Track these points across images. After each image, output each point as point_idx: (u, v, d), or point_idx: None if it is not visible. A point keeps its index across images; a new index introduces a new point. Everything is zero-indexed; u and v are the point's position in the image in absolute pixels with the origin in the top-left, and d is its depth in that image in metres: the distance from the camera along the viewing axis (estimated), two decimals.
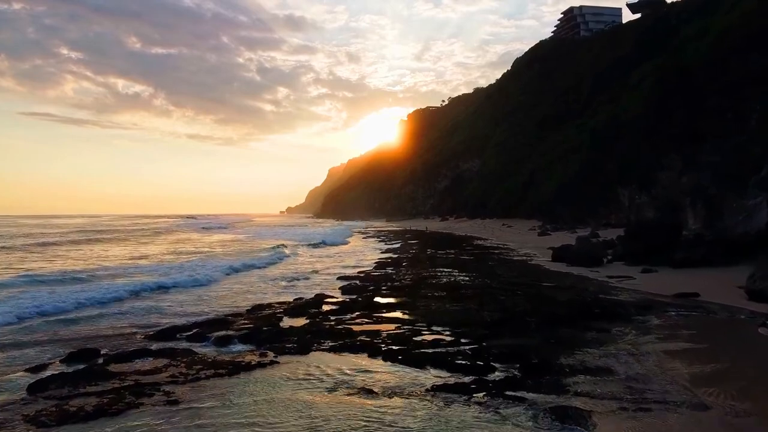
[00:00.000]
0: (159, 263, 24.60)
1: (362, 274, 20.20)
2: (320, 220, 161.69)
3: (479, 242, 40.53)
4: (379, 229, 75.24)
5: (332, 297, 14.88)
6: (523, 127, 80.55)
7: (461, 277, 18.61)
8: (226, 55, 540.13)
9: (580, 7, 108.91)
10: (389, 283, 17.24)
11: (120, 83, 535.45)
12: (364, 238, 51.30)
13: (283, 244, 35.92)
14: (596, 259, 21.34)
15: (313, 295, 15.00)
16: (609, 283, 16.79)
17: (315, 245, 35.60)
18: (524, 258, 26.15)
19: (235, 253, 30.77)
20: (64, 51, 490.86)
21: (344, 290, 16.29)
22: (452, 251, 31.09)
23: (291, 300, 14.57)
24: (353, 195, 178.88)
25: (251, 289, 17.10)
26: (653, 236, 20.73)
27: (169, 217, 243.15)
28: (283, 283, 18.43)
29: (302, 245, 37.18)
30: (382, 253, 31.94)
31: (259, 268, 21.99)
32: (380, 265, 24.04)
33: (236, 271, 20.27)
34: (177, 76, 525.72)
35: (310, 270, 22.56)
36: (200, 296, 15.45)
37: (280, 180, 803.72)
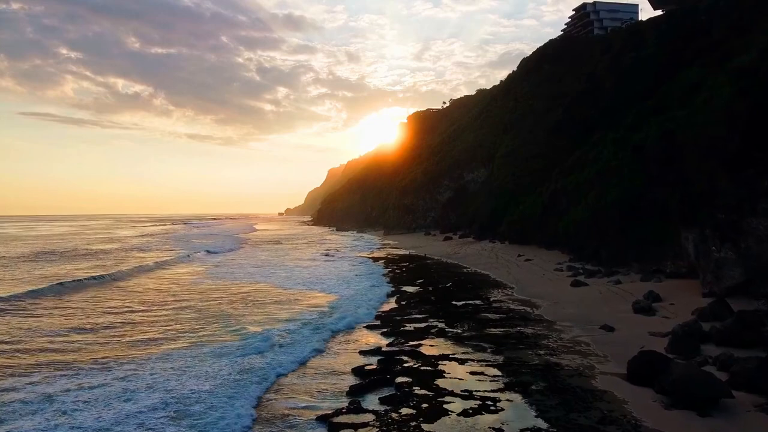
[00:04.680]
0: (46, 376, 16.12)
1: None
2: (323, 229, 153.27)
3: (497, 292, 31.95)
4: (374, 254, 66.79)
5: None
6: (535, 135, 71.94)
7: None
8: (226, 54, 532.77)
9: (594, 3, 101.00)
10: None
11: (120, 83, 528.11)
12: (357, 275, 43.00)
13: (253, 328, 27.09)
14: (711, 398, 12.84)
15: None
16: None
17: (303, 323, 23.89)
18: (576, 356, 17.63)
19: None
20: (64, 51, 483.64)
21: None
22: (466, 329, 22.63)
23: None
24: (350, 201, 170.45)
25: None
26: None
27: (165, 219, 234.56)
28: None
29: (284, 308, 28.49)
30: (368, 327, 23.67)
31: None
32: (356, 390, 15.53)
33: None
34: (177, 76, 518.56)
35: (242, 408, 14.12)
36: None
37: (279, 180, 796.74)
